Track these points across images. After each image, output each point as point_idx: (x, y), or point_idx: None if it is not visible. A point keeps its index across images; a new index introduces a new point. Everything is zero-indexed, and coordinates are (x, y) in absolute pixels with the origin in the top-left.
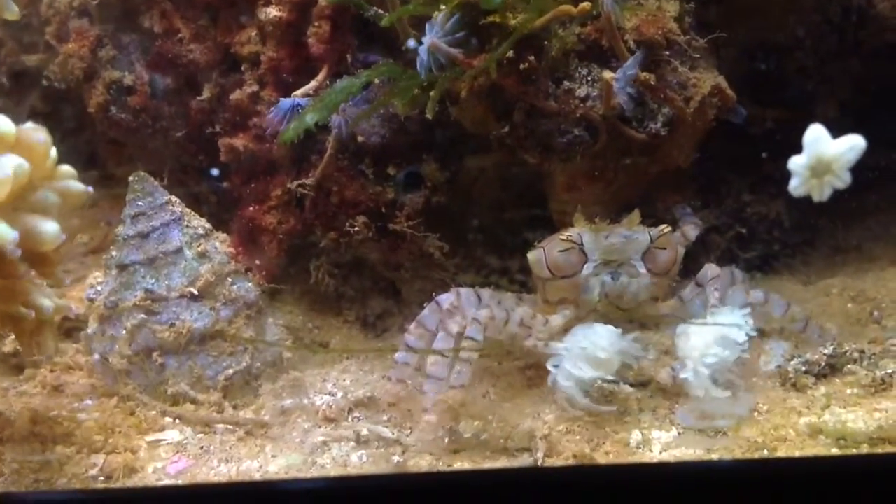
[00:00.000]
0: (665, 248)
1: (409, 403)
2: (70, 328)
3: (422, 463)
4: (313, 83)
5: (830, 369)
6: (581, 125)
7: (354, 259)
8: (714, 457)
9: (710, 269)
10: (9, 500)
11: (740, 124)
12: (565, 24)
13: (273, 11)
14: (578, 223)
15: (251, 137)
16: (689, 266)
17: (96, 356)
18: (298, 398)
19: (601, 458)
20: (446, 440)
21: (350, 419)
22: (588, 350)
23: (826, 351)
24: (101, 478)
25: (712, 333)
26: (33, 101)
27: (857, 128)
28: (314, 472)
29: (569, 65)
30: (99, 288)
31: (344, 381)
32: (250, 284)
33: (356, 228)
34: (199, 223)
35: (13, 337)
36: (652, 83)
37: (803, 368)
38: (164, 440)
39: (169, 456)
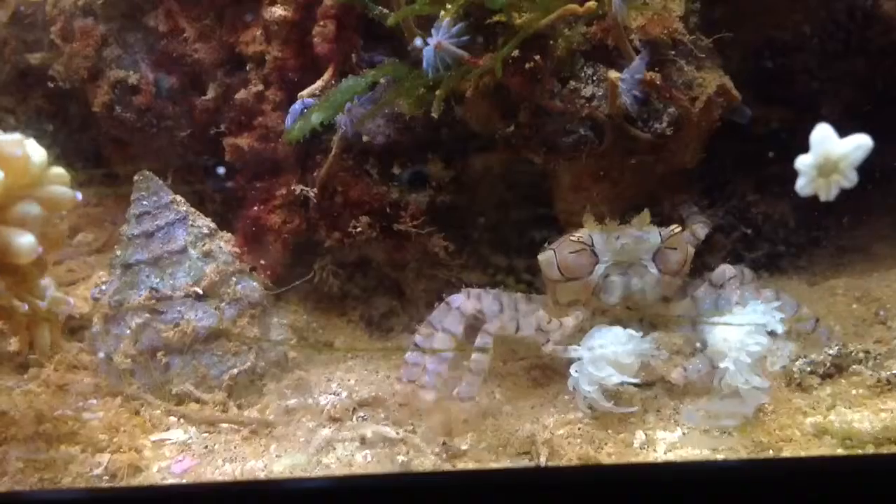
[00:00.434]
0: (675, 248)
1: (419, 403)
2: (75, 327)
3: (426, 463)
4: (319, 83)
5: (836, 369)
6: (586, 125)
7: (359, 258)
8: (719, 457)
9: (727, 270)
10: (14, 499)
11: (746, 124)
12: (571, 23)
13: (278, 11)
14: (588, 224)
15: (256, 137)
16: (692, 265)
17: (101, 355)
18: (303, 398)
19: (604, 459)
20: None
21: (355, 419)
22: (610, 354)
23: (831, 351)
24: (106, 477)
25: (745, 327)
26: (38, 100)
27: (863, 127)
28: (319, 472)
29: (574, 64)
30: (104, 287)
31: (349, 380)
32: (255, 284)
33: (359, 229)
34: (204, 222)
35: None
36: (658, 83)
37: (809, 369)
38: (169, 439)
39: (173, 455)
